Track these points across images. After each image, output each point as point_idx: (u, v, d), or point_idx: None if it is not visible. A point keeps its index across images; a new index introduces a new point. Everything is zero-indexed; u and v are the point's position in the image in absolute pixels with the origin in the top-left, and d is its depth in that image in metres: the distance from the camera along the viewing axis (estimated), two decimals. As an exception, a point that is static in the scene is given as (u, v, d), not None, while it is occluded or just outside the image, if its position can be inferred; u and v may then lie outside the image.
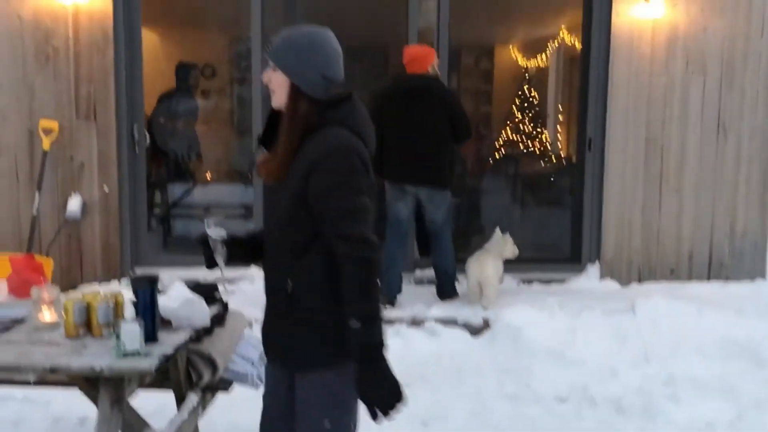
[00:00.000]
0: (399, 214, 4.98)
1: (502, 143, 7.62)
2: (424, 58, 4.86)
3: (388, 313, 4.73)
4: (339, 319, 1.84)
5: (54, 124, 5.06)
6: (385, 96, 4.89)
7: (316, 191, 1.85)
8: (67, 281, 5.13)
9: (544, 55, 7.68)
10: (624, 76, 5.42)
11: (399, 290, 5.00)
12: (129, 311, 2.31)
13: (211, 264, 2.11)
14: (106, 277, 5.26)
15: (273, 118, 2.00)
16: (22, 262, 4.76)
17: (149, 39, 5.89)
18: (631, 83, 5.42)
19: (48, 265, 4.89)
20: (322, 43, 1.92)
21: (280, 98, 1.94)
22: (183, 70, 6.51)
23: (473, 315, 4.70)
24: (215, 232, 2.07)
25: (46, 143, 5.02)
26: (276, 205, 1.95)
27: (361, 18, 6.62)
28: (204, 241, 2.09)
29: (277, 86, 1.93)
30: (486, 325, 4.60)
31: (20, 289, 4.65)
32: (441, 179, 4.87)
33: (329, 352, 1.91)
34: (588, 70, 5.60)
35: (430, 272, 5.44)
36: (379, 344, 1.83)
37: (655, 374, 3.92)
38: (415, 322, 4.64)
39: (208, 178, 6.96)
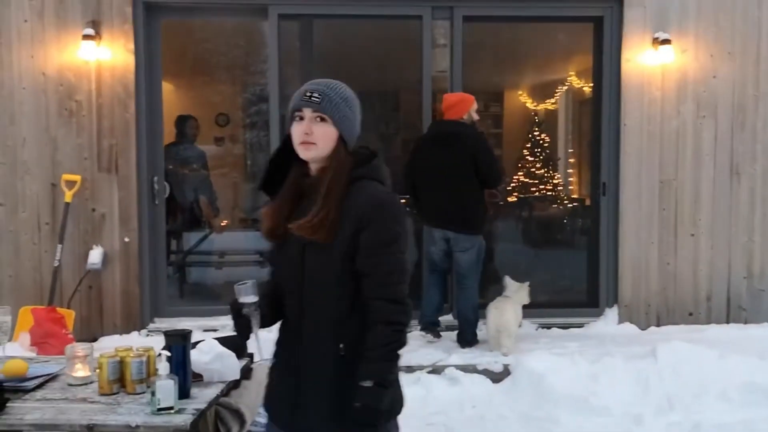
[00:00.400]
0: (432, 256, 5.17)
1: (514, 187, 7.68)
2: (457, 105, 4.97)
3: (408, 359, 4.74)
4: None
5: (76, 178, 5.16)
6: (419, 141, 5.16)
7: (367, 248, 1.81)
8: (88, 332, 5.17)
9: (553, 99, 7.79)
10: (636, 120, 5.50)
11: (429, 327, 5.15)
12: (161, 366, 2.34)
13: (245, 333, 1.95)
14: (126, 328, 5.28)
15: (275, 165, 1.96)
16: (44, 313, 4.84)
17: (167, 90, 6.01)
18: (643, 128, 5.50)
19: (69, 316, 4.95)
20: (357, 98, 1.97)
21: (322, 150, 1.86)
22: (180, 122, 6.60)
23: (493, 362, 4.68)
24: (249, 298, 1.90)
25: (68, 195, 5.11)
26: (316, 266, 1.86)
27: (377, 64, 6.78)
28: (237, 311, 1.93)
29: (323, 138, 1.86)
30: (506, 371, 4.58)
31: (42, 340, 4.72)
32: (465, 223, 4.95)
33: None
34: (600, 115, 5.68)
35: (448, 318, 5.47)
36: (384, 411, 1.80)
37: (680, 422, 3.89)
38: (435, 370, 4.63)
39: (223, 225, 7.02)
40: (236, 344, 2.70)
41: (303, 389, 1.90)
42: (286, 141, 1.94)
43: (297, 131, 1.88)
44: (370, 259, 1.82)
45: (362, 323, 1.83)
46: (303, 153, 1.88)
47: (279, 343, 2.00)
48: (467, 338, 5.03)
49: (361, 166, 1.90)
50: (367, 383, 1.78)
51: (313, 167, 1.91)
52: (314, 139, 1.86)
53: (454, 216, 4.94)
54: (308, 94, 1.87)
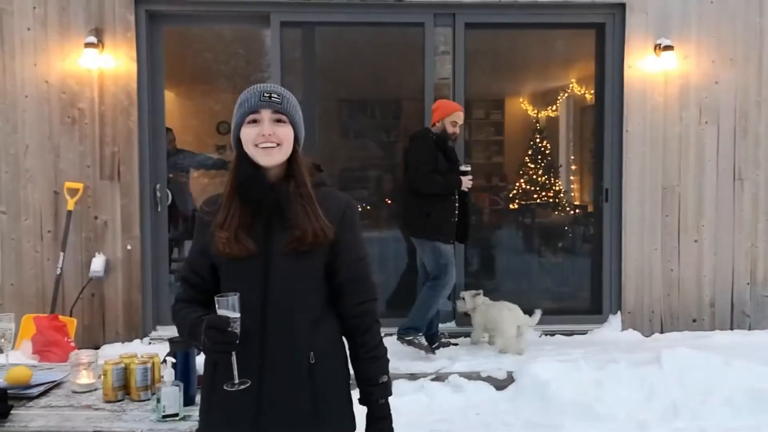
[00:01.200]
0: (419, 262, 5.18)
1: (516, 194, 7.67)
2: (434, 112, 5.04)
3: (411, 366, 4.73)
4: (347, 382, 1.87)
5: (79, 185, 5.15)
6: None
7: (351, 252, 1.84)
8: (90, 340, 5.16)
9: (555, 106, 7.78)
10: (638, 126, 5.50)
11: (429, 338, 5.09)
12: (166, 373, 2.32)
13: (229, 351, 1.71)
14: (128, 336, 5.27)
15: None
16: (47, 321, 4.82)
17: (168, 98, 6.01)
18: (645, 134, 5.50)
19: (71, 324, 4.93)
20: None
21: (285, 153, 1.80)
22: None
23: (497, 368, 4.66)
24: (235, 312, 1.70)
25: (70, 203, 5.10)
26: (292, 274, 1.78)
27: (379, 71, 6.78)
28: (223, 327, 1.68)
29: (286, 140, 1.79)
30: (510, 378, 4.57)
31: (44, 348, 4.70)
32: (414, 229, 5.02)
33: (349, 415, 1.89)
34: (602, 121, 5.68)
35: (451, 326, 5.47)
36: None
37: (686, 428, 3.87)
38: (439, 377, 4.61)
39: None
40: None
41: (271, 408, 1.77)
42: (242, 152, 1.81)
43: (253, 134, 1.77)
44: (358, 263, 1.85)
45: (333, 326, 1.86)
46: (265, 158, 1.78)
47: (214, 375, 1.80)
48: (400, 331, 4.86)
49: (318, 172, 1.90)
50: (384, 378, 1.86)
51: (271, 174, 1.82)
52: (278, 140, 1.77)
53: (407, 221, 5.12)
54: (266, 94, 1.78)
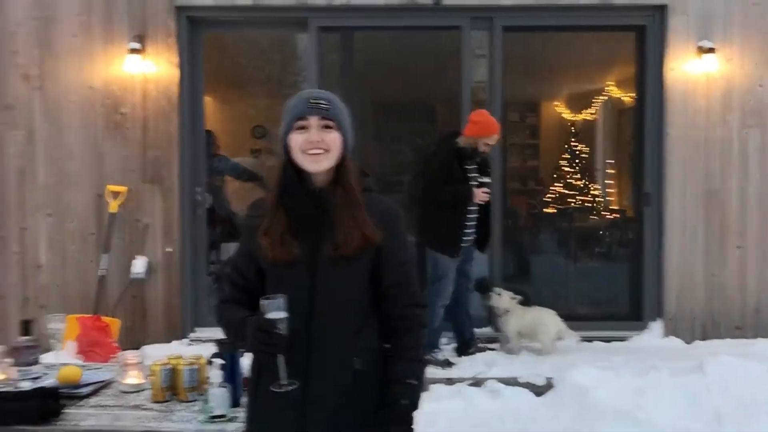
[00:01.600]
0: None
1: (552, 197, 7.61)
2: (471, 124, 4.84)
3: (449, 372, 4.72)
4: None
5: (122, 189, 5.25)
6: None
7: (396, 258, 1.85)
8: (131, 341, 5.22)
9: (592, 109, 7.71)
10: (680, 130, 5.41)
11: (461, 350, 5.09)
12: (213, 374, 2.35)
13: (278, 352, 1.73)
14: (168, 337, 5.34)
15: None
16: (90, 322, 4.91)
17: (206, 102, 6.09)
18: (687, 137, 5.41)
19: (114, 325, 5.01)
20: None
21: (333, 159, 1.80)
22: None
23: (536, 374, 4.62)
24: (281, 314, 1.71)
25: (113, 206, 5.20)
26: (338, 280, 1.80)
27: (414, 75, 6.79)
28: (269, 329, 1.70)
29: (334, 145, 1.80)
30: (549, 385, 4.52)
31: (88, 349, 4.79)
32: (421, 236, 4.94)
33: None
34: (643, 124, 5.60)
35: (487, 331, 5.46)
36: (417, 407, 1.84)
37: (731, 437, 3.79)
38: (476, 382, 4.59)
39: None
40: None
41: (315, 413, 1.79)
42: (287, 158, 1.83)
43: (301, 140, 1.78)
44: (403, 267, 1.86)
45: (376, 332, 1.86)
46: (312, 164, 1.79)
47: (259, 378, 1.84)
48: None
49: (364, 177, 1.91)
50: (413, 381, 1.81)
51: (320, 180, 1.83)
52: (326, 146, 1.78)
53: (417, 226, 4.95)
54: (313, 101, 1.79)
